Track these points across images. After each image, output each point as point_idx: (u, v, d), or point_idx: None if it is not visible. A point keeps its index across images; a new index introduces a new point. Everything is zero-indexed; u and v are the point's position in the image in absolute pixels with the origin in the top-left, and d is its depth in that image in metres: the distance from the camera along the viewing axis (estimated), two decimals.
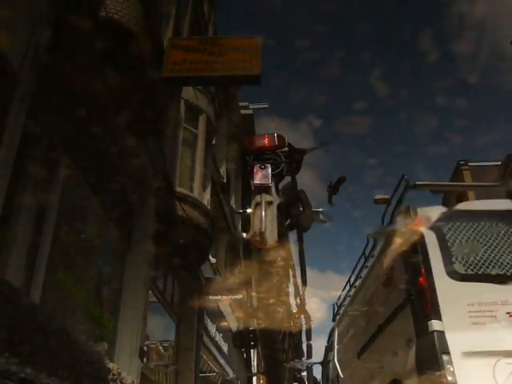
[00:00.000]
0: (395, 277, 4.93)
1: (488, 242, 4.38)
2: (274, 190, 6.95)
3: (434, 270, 4.16)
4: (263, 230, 5.88)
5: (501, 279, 4.14)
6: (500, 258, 4.26)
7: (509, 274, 4.18)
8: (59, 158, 5.76)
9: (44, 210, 5.46)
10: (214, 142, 12.54)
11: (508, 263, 4.24)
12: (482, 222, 4.53)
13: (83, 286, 6.35)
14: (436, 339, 3.78)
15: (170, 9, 10.06)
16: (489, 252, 4.31)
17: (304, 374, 15.34)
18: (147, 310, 8.10)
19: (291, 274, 10.95)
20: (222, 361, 14.20)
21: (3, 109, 4.34)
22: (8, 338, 1.06)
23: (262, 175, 6.53)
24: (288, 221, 7.86)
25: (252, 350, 16.02)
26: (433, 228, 4.46)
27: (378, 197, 10.16)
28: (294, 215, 7.95)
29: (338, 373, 7.53)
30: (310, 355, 11.43)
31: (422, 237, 4.40)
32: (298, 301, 10.94)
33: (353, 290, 7.35)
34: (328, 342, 9.11)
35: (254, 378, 18.41)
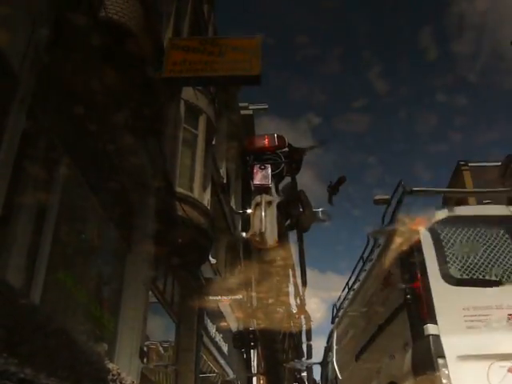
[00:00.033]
0: (392, 281, 4.99)
1: (483, 246, 4.44)
2: (273, 190, 6.93)
3: (429, 275, 4.22)
4: (263, 230, 5.86)
5: (496, 284, 4.21)
6: (495, 262, 4.33)
7: (503, 278, 4.25)
8: (59, 158, 5.77)
9: (44, 209, 5.46)
10: (213, 142, 12.55)
11: (503, 268, 4.31)
12: (477, 227, 4.58)
13: (83, 286, 6.35)
14: (431, 343, 3.85)
15: (170, 9, 10.07)
16: (484, 257, 4.37)
17: (304, 374, 15.33)
18: (147, 310, 8.11)
19: (291, 275, 10.94)
20: (222, 361, 14.20)
21: (3, 109, 4.34)
22: (7, 339, 1.06)
23: (261, 175, 6.51)
24: (288, 221, 7.84)
25: (252, 351, 16.00)
26: (429, 233, 4.51)
27: (377, 197, 10.17)
28: (294, 215, 7.93)
29: (336, 374, 7.58)
30: (309, 355, 11.42)
31: (419, 242, 4.46)
32: (298, 301, 10.93)
33: (351, 292, 7.41)
34: (327, 343, 9.13)
35: (254, 379, 18.41)
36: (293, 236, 8.65)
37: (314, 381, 11.60)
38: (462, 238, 4.51)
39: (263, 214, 5.91)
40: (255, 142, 7.70)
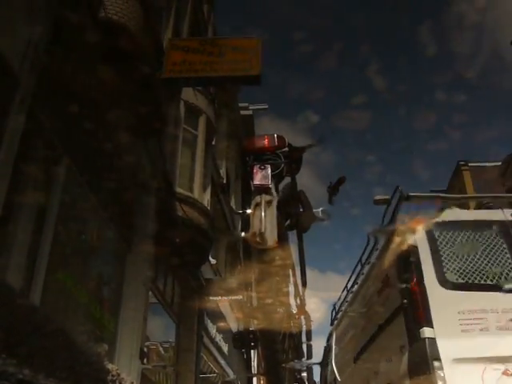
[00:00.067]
0: (389, 284, 5.07)
1: (479, 251, 4.52)
2: (273, 190, 6.93)
3: (426, 279, 4.30)
4: (263, 230, 5.86)
5: (490, 288, 4.29)
6: (490, 267, 4.40)
7: (498, 283, 4.32)
8: (59, 158, 5.76)
9: (44, 209, 5.46)
10: (213, 142, 12.55)
11: (497, 272, 4.38)
12: (473, 231, 4.67)
13: (83, 286, 6.35)
14: (427, 346, 3.93)
15: (170, 9, 10.07)
16: (480, 261, 4.44)
17: (304, 374, 15.33)
18: (147, 310, 8.10)
19: (291, 275, 10.95)
20: (222, 361, 14.20)
21: (3, 109, 4.33)
22: (5, 339, 1.06)
23: (261, 176, 6.51)
24: (288, 221, 7.85)
25: (252, 351, 16.01)
26: (426, 237, 4.59)
27: (377, 197, 10.18)
28: (294, 215, 7.94)
29: (335, 376, 7.62)
30: (310, 356, 11.44)
31: (415, 246, 4.53)
32: (298, 301, 10.94)
33: (350, 295, 7.47)
34: (327, 344, 9.17)
35: (255, 379, 18.41)
36: (292, 236, 8.66)
37: (314, 382, 11.61)
38: (458, 242, 4.59)
39: (263, 214, 5.91)
40: (255, 142, 7.71)
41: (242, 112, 17.52)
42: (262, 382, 18.56)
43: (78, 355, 1.30)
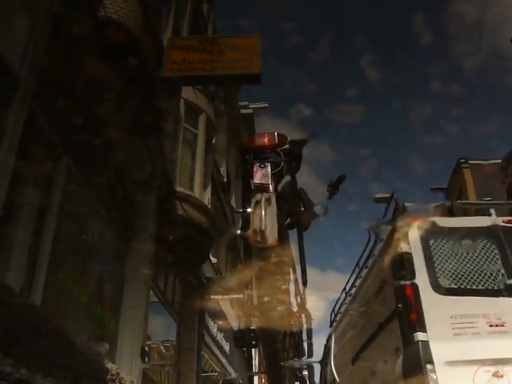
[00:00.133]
0: (385, 288, 5.21)
1: (471, 257, 4.66)
2: (272, 189, 6.90)
3: (419, 285, 4.44)
4: (263, 228, 5.85)
5: (482, 293, 4.46)
6: (481, 273, 4.55)
7: (489, 288, 4.49)
8: (59, 158, 5.77)
9: (44, 209, 5.46)
10: (214, 141, 12.55)
11: (489, 278, 4.53)
12: (465, 238, 4.82)
13: (84, 285, 6.36)
14: (421, 349, 4.08)
15: (170, 8, 10.07)
16: (471, 267, 4.59)
17: (305, 373, 15.35)
18: (148, 309, 8.11)
19: (292, 273, 10.94)
20: (223, 360, 14.22)
21: (3, 109, 4.34)
22: (2, 339, 1.06)
23: (261, 174, 6.48)
24: (288, 220, 7.83)
25: (253, 350, 16.01)
26: (420, 244, 4.73)
27: (378, 196, 10.22)
28: (295, 214, 7.93)
29: (334, 377, 7.73)
30: (310, 354, 11.46)
31: (409, 253, 4.67)
32: (299, 300, 10.94)
33: (348, 298, 7.59)
34: (326, 344, 9.24)
35: (256, 378, 18.43)
36: (293, 235, 8.65)
37: (314, 382, 11.64)
38: (451, 248, 4.74)
39: (263, 212, 5.89)
40: (255, 140, 7.67)
41: (242, 111, 17.53)
42: (263, 380, 18.58)
43: (76, 354, 1.30)
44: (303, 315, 11.02)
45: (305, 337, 13.60)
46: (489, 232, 4.84)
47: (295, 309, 11.04)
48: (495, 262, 4.61)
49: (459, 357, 4.02)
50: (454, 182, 25.34)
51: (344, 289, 8.03)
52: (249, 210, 6.98)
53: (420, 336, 4.12)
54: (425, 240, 4.74)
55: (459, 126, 73.25)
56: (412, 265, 4.55)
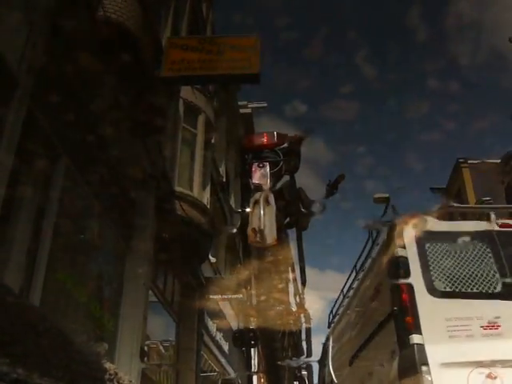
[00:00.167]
0: (381, 292, 5.28)
1: (466, 261, 4.71)
2: (268, 186, 6.91)
3: (415, 288, 4.48)
4: (262, 227, 5.85)
5: (476, 296, 4.51)
6: (476, 276, 4.60)
7: (484, 291, 4.54)
8: (58, 158, 5.77)
9: (43, 209, 5.46)
10: (213, 141, 12.55)
11: (483, 281, 4.58)
12: (460, 241, 4.87)
13: (83, 285, 6.35)
14: (416, 351, 4.11)
15: (169, 8, 10.06)
16: (466, 270, 4.64)
17: (304, 372, 15.35)
18: (147, 309, 8.11)
19: (291, 273, 10.95)
20: (222, 360, 14.22)
21: (2, 109, 4.34)
22: None
23: (260, 174, 6.49)
24: (287, 219, 7.84)
25: (252, 349, 16.02)
26: (415, 248, 4.77)
27: (377, 196, 10.21)
28: (294, 214, 7.92)
29: (332, 378, 7.79)
30: (309, 353, 11.45)
31: (405, 257, 4.71)
32: (298, 299, 10.95)
33: (346, 300, 7.66)
34: (324, 344, 9.26)
35: (255, 377, 18.44)
36: (291, 234, 8.65)
37: (313, 382, 11.63)
38: (447, 252, 4.78)
39: (262, 212, 5.89)
40: (254, 139, 7.67)
41: (242, 110, 17.52)
42: (262, 380, 18.59)
43: (74, 354, 1.30)
44: (302, 315, 11.02)
45: (304, 336, 13.60)
46: (484, 236, 4.90)
47: (294, 308, 11.05)
48: (490, 265, 4.68)
49: (454, 359, 4.07)
50: (453, 181, 25.34)
51: (342, 291, 8.08)
52: (248, 209, 6.98)
53: (415, 339, 4.17)
54: (421, 243, 4.80)
55: (456, 123, 72.87)
56: (408, 268, 4.60)
